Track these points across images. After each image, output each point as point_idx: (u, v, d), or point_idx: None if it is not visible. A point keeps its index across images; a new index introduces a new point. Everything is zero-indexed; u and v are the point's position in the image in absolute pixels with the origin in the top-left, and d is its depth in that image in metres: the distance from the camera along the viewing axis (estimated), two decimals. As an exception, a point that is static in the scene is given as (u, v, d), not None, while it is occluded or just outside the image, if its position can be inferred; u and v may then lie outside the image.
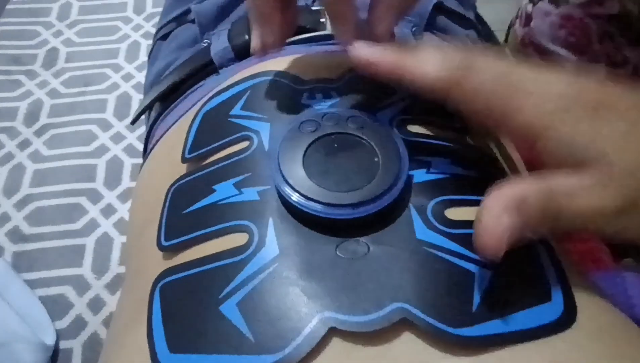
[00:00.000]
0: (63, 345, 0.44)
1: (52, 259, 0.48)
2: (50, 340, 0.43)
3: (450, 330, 0.15)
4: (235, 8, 0.34)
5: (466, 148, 0.21)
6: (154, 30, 0.70)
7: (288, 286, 0.16)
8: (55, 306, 0.46)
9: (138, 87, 0.63)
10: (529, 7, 0.50)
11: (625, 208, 0.15)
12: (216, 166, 0.21)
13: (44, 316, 0.45)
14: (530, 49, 0.52)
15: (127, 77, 0.64)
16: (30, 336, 0.42)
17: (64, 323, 0.45)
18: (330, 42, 0.30)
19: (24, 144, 0.57)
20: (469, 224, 0.17)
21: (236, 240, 0.18)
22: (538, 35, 0.49)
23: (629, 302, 0.31)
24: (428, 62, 0.18)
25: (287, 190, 0.18)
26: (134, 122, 0.35)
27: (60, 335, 0.44)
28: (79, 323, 0.45)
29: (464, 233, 0.17)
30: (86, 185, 0.53)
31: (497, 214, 0.15)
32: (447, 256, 0.16)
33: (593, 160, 0.16)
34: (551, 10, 0.46)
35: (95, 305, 0.46)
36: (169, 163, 0.26)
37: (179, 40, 0.36)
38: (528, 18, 0.51)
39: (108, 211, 0.52)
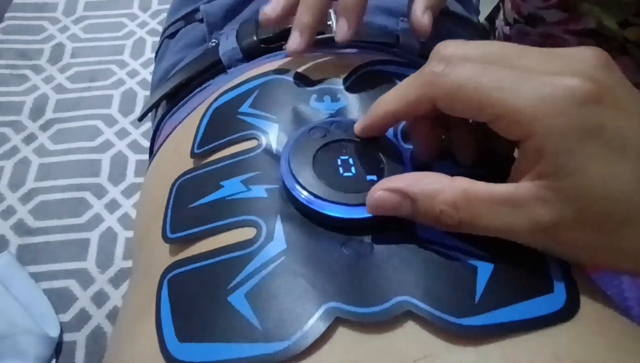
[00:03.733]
0: (67, 337, 0.45)
1: (57, 252, 0.49)
2: (54, 333, 0.44)
3: (453, 319, 0.15)
4: (244, 9, 0.35)
5: (467, 149, 0.22)
6: (159, 27, 0.71)
7: (295, 277, 0.16)
8: (60, 300, 0.46)
9: (143, 84, 0.63)
10: (506, 29, 0.50)
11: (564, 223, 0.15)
12: (224, 163, 0.22)
13: (48, 309, 0.45)
14: None
15: (133, 74, 0.65)
16: (35, 328, 0.43)
17: (67, 316, 0.46)
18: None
19: (30, 139, 0.58)
20: None
21: (244, 234, 0.18)
22: None
23: (625, 304, 0.31)
24: (402, 87, 0.18)
25: (297, 188, 0.18)
26: (141, 119, 0.36)
27: (64, 327, 0.45)
28: (83, 317, 0.45)
29: None
30: (91, 180, 0.54)
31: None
32: (449, 252, 0.17)
33: (558, 175, 0.15)
34: (530, 31, 0.46)
35: (99, 298, 0.46)
36: (177, 159, 0.26)
37: (187, 39, 0.36)
38: (507, 39, 0.50)
39: (112, 206, 0.52)
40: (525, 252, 0.17)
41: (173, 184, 0.22)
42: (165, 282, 0.18)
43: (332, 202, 0.18)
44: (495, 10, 0.53)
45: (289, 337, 0.15)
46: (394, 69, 0.26)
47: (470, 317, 0.15)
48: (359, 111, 0.23)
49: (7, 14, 0.71)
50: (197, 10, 0.37)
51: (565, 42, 0.43)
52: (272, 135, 0.22)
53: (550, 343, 0.15)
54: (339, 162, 0.19)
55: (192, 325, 0.16)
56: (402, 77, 0.25)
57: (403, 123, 0.23)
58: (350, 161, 0.20)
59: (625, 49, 0.40)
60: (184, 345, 0.16)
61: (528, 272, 0.17)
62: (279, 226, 0.18)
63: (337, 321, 0.15)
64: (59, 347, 0.44)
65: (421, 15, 0.25)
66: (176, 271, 0.18)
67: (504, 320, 0.15)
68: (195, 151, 0.23)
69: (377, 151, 0.20)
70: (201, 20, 0.36)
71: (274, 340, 0.15)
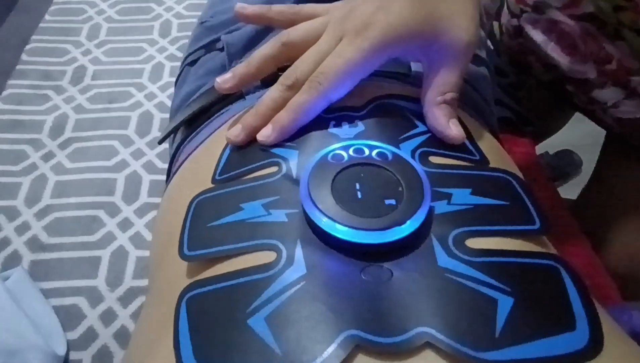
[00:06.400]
0: (73, 355, 0.45)
1: (68, 269, 0.49)
2: (61, 351, 0.44)
3: (473, 353, 0.15)
4: (263, 39, 0.36)
5: (485, 178, 0.22)
6: (178, 53, 0.74)
7: (315, 303, 0.17)
8: (68, 317, 0.46)
9: (160, 107, 0.65)
10: (514, 21, 0.52)
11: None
12: (244, 186, 0.22)
13: (56, 326, 0.45)
14: (531, 57, 0.54)
15: (150, 97, 0.66)
16: (43, 345, 0.43)
17: (75, 334, 0.46)
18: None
19: (48, 156, 0.59)
20: (489, 252, 0.18)
21: (264, 257, 0.19)
22: (533, 44, 0.52)
23: (637, 340, 0.31)
24: None
25: (316, 213, 0.19)
26: (161, 142, 0.37)
27: (70, 345, 0.45)
28: (90, 335, 0.46)
29: (485, 261, 0.17)
30: (105, 198, 0.55)
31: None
32: (470, 283, 0.17)
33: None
34: (538, 18, 0.49)
35: (107, 317, 0.46)
36: (195, 180, 0.27)
37: (208, 66, 0.38)
38: (516, 30, 0.53)
39: (125, 224, 0.53)
40: (547, 287, 0.17)
41: (191, 202, 0.23)
42: (183, 302, 0.18)
43: (351, 227, 0.18)
44: (500, 7, 0.56)
45: None
46: (404, 104, 0.26)
47: (490, 351, 0.15)
48: (377, 135, 0.24)
49: (33, 37, 0.74)
50: (218, 39, 0.38)
51: (568, 26, 0.46)
52: (292, 161, 0.22)
53: None
54: (357, 186, 0.20)
55: (210, 346, 0.16)
56: (413, 113, 0.25)
57: (420, 144, 0.23)
58: (369, 185, 0.20)
59: (620, 34, 0.42)
60: None
61: (549, 307, 0.16)
62: (299, 251, 0.18)
63: (356, 348, 0.15)
64: (65, 365, 0.44)
65: (448, 128, 0.24)
66: (195, 292, 0.19)
67: (525, 356, 0.15)
68: (217, 177, 0.24)
69: (395, 174, 0.20)
70: (222, 49, 0.37)
71: None
